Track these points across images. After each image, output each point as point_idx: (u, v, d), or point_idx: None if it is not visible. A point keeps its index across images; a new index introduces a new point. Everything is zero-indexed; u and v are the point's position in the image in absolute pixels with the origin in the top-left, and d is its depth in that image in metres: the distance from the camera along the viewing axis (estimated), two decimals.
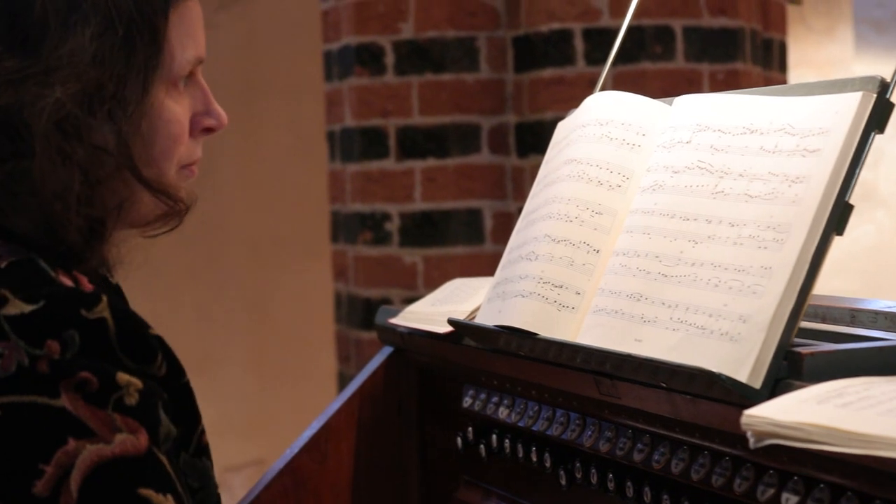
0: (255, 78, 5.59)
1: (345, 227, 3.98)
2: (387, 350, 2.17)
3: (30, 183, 1.26)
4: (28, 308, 1.20)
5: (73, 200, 1.26)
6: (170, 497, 1.20)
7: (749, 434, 1.21)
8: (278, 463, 2.11)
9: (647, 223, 1.54)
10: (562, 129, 1.82)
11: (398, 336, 2.12)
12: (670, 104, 1.66)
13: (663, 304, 1.47)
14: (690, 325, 1.42)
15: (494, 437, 1.86)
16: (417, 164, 3.80)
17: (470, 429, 1.91)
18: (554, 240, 1.65)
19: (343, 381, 4.03)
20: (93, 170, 1.29)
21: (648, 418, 1.54)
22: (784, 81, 4.01)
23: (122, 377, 1.20)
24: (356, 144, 3.87)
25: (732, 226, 1.44)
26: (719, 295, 1.41)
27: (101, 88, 1.29)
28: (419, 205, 3.80)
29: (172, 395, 1.27)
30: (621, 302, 1.52)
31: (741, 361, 1.34)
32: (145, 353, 1.24)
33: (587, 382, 1.62)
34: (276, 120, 5.56)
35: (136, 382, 1.21)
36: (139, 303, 4.91)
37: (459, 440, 1.94)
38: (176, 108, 1.37)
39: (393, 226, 3.82)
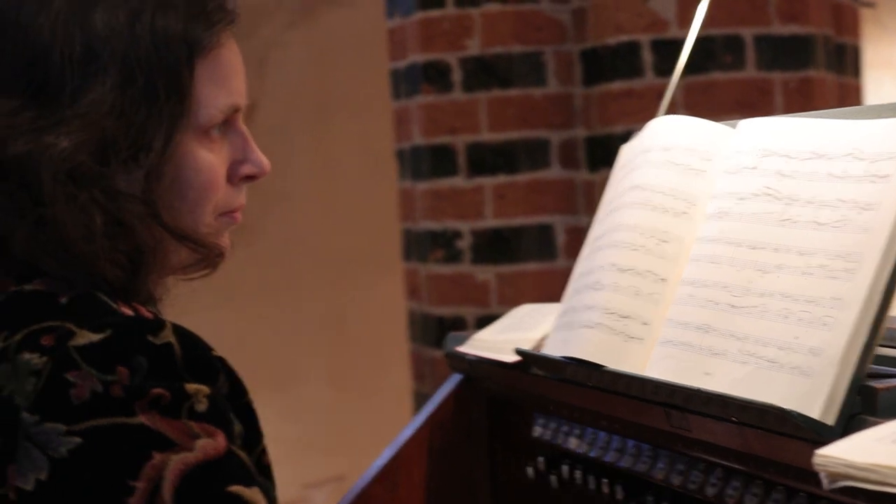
0: (327, 96, 5.60)
1: (416, 246, 3.96)
2: (456, 377, 2.15)
3: (55, 229, 1.27)
4: (96, 337, 1.22)
5: (101, 240, 1.27)
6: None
7: (822, 475, 1.18)
8: (350, 493, 2.10)
9: (713, 252, 1.51)
10: (626, 152, 1.79)
11: (467, 364, 2.10)
12: (734, 127, 1.62)
13: (732, 335, 1.43)
14: (760, 358, 1.38)
15: (565, 467, 1.83)
16: (487, 181, 3.78)
17: (541, 459, 1.89)
18: (619, 269, 1.62)
19: (418, 400, 4.01)
20: (119, 214, 1.29)
21: (721, 452, 1.51)
22: (859, 87, 3.93)
23: (191, 386, 1.22)
24: (425, 162, 3.86)
25: (801, 255, 1.40)
26: (789, 327, 1.37)
27: (118, 138, 1.28)
28: (490, 221, 3.78)
29: (236, 413, 1.28)
30: (689, 334, 1.49)
31: (813, 397, 1.30)
32: (209, 373, 1.25)
33: (657, 414, 1.58)
34: (348, 138, 5.57)
35: (204, 388, 1.23)
36: (220, 321, 4.94)
37: (530, 470, 1.91)
38: (207, 157, 1.35)
39: (464, 243, 3.80)
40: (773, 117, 1.58)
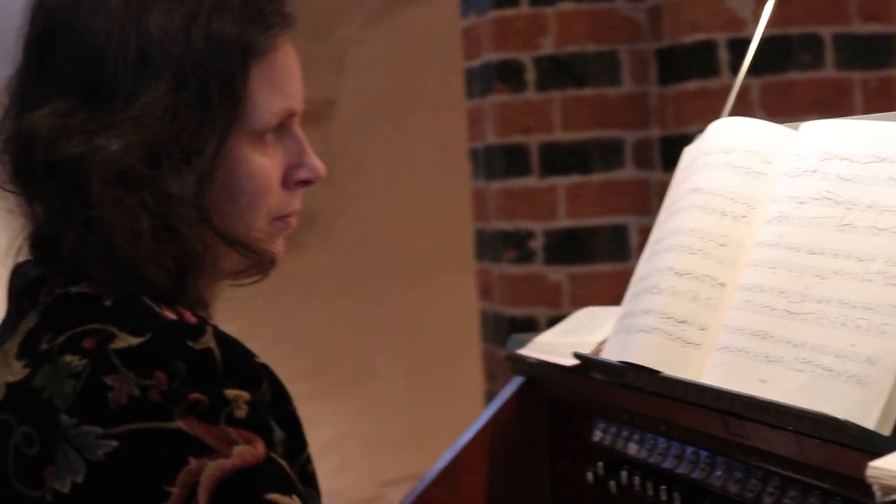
0: (404, 94, 5.60)
1: (489, 246, 3.95)
2: (518, 380, 2.14)
3: (102, 231, 1.27)
4: (136, 341, 1.21)
5: (148, 244, 1.27)
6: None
7: (875, 488, 1.15)
8: (410, 496, 2.09)
9: (771, 257, 1.48)
10: (687, 154, 1.77)
11: (528, 366, 2.08)
12: (796, 129, 1.59)
13: (788, 342, 1.40)
14: (816, 366, 1.35)
15: (624, 473, 1.80)
16: (560, 181, 3.76)
17: (600, 464, 1.86)
18: (677, 273, 1.60)
19: (490, 400, 3.99)
20: (168, 217, 1.29)
21: (779, 461, 1.48)
22: None
23: (230, 392, 1.21)
24: (498, 162, 3.84)
25: (860, 261, 1.37)
26: (846, 334, 1.34)
27: (169, 142, 1.27)
28: (563, 222, 3.75)
29: (278, 421, 1.27)
30: (745, 340, 1.46)
31: (869, 407, 1.27)
32: (251, 379, 1.24)
33: (715, 421, 1.56)
34: (425, 136, 5.57)
35: (244, 395, 1.22)
36: (297, 319, 4.97)
37: (590, 475, 1.89)
38: (261, 161, 1.34)
39: (537, 244, 3.78)
40: (837, 119, 1.54)
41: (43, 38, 1.33)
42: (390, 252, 5.64)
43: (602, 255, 3.72)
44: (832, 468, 1.37)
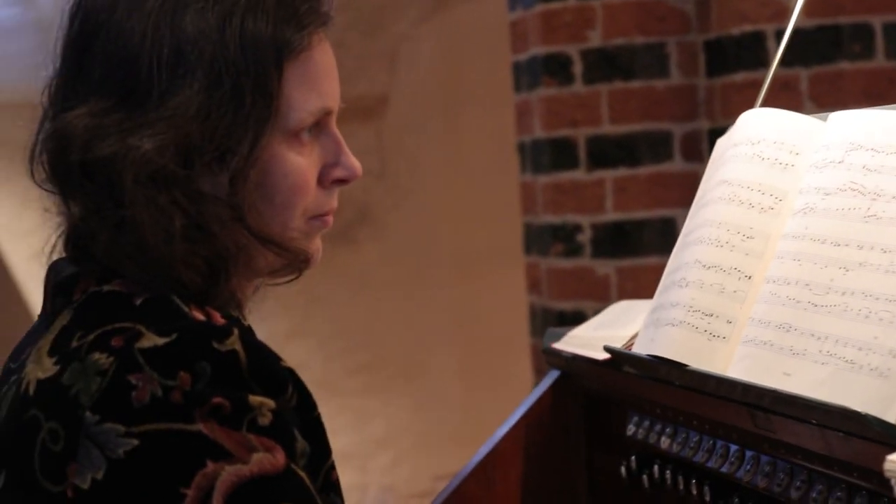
0: (457, 89, 5.60)
1: (537, 239, 3.94)
2: (553, 374, 2.13)
3: (134, 231, 1.27)
4: (161, 341, 1.22)
5: (179, 243, 1.27)
6: None
7: (893, 482, 1.14)
8: (445, 491, 2.09)
9: (797, 249, 1.47)
10: (719, 146, 1.75)
11: (563, 360, 2.07)
12: (825, 120, 1.57)
13: (812, 335, 1.39)
14: (839, 358, 1.34)
15: (656, 467, 1.79)
16: (608, 174, 3.74)
17: (633, 458, 1.85)
18: (704, 266, 1.59)
19: None
20: (201, 217, 1.29)
21: (805, 454, 1.46)
22: None
23: (254, 399, 1.21)
24: (546, 155, 3.83)
25: (885, 252, 1.35)
26: (870, 327, 1.32)
27: (203, 141, 1.28)
28: (611, 215, 3.73)
29: (303, 427, 1.27)
30: (770, 333, 1.45)
31: (891, 400, 1.26)
32: (276, 384, 1.24)
33: (742, 415, 1.54)
34: (478, 131, 5.56)
35: (269, 402, 1.22)
36: (351, 315, 4.98)
37: (623, 469, 1.88)
38: (296, 160, 1.34)
39: (585, 237, 3.76)
40: (866, 109, 1.53)
41: (80, 40, 1.34)
42: (443, 247, 5.65)
43: (650, 249, 3.70)
44: (857, 462, 1.35)
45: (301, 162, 1.35)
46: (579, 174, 3.76)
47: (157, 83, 1.28)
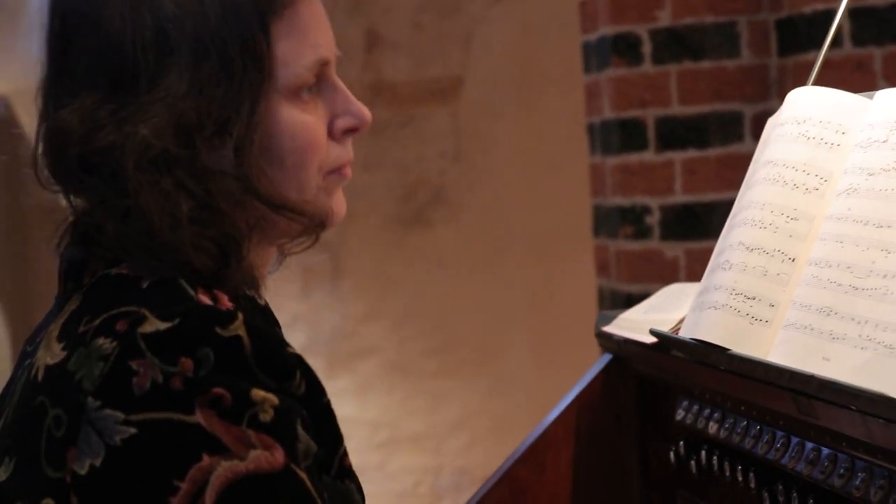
0: (531, 70, 5.56)
1: (606, 222, 3.90)
2: (606, 357, 2.11)
3: (141, 219, 1.25)
4: (163, 326, 1.19)
5: (188, 227, 1.24)
6: None
7: None
8: (496, 474, 2.08)
9: (840, 230, 1.43)
10: (768, 125, 1.71)
11: (615, 344, 2.05)
12: (871, 98, 1.53)
13: (853, 319, 1.35)
14: (879, 343, 1.30)
15: (704, 452, 1.76)
16: (677, 156, 3.68)
17: (681, 443, 1.83)
18: (748, 248, 1.55)
19: None
20: (209, 196, 1.26)
21: (848, 441, 1.43)
22: None
23: (258, 393, 1.18)
24: (614, 136, 3.78)
25: None
26: None
27: (200, 117, 1.25)
28: (680, 197, 3.68)
29: (312, 415, 1.24)
30: (811, 317, 1.41)
31: None
32: (283, 371, 1.22)
33: (786, 401, 1.51)
34: (552, 112, 5.52)
35: (272, 399, 1.19)
36: (424, 296, 4.98)
37: (672, 454, 1.85)
38: (302, 118, 1.32)
39: (653, 219, 3.72)
40: None
41: (63, 36, 1.32)
42: (518, 229, 5.62)
43: (719, 231, 3.61)
44: None
45: (307, 119, 1.32)
46: (648, 155, 3.72)
47: (145, 67, 1.26)
